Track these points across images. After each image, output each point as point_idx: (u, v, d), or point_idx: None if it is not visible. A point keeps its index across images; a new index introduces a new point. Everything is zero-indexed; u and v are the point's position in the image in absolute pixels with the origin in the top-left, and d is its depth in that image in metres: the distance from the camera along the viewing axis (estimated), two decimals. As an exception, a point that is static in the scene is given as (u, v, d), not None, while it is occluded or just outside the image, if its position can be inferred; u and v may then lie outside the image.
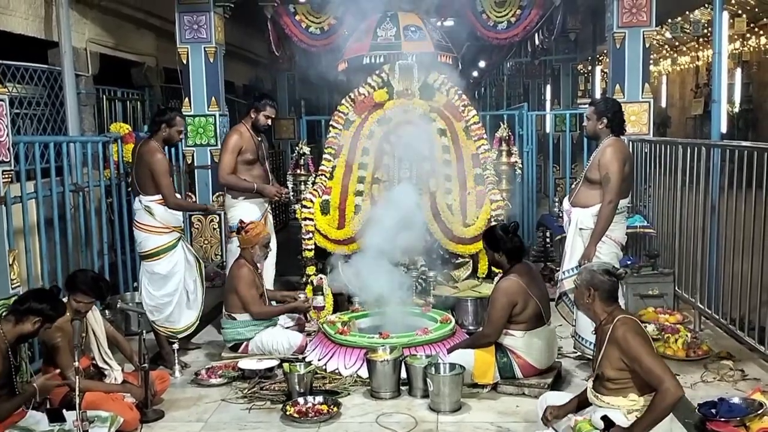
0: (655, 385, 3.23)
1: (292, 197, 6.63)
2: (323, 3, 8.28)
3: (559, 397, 3.88)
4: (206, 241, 8.05)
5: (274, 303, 5.64)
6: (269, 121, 5.94)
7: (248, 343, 5.33)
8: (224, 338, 5.44)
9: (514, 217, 6.33)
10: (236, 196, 5.84)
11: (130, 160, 5.67)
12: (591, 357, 4.93)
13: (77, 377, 3.71)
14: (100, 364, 4.40)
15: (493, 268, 5.87)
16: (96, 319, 4.42)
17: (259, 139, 5.96)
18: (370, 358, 4.67)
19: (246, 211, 5.78)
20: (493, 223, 5.67)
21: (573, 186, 5.26)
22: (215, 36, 7.77)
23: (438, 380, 4.39)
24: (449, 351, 4.78)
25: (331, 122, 6.68)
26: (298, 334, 5.41)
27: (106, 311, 5.92)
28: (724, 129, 7.82)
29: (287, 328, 5.50)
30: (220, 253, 7.89)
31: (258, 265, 5.50)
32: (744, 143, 5.58)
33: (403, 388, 4.64)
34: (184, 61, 7.81)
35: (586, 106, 5.23)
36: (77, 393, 3.64)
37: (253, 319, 5.33)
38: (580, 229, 4.91)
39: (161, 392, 4.61)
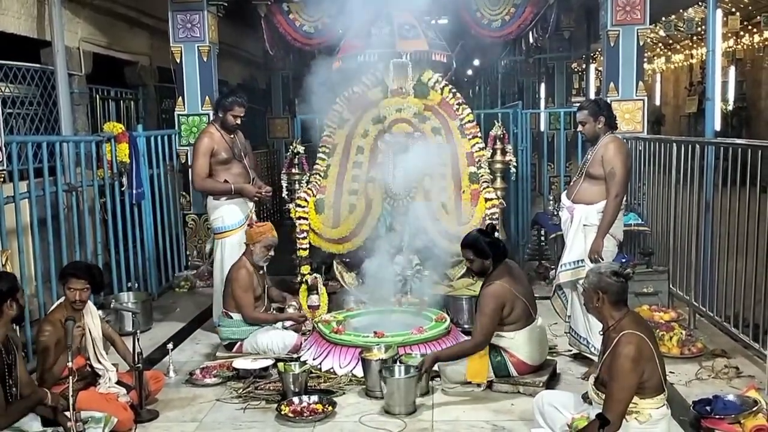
0: (604, 411, 3.25)
1: (286, 196, 6.61)
2: (317, 2, 8.26)
3: (556, 396, 3.88)
4: (200, 241, 8.03)
5: (273, 305, 5.66)
6: (238, 121, 5.82)
7: (243, 342, 5.32)
8: (220, 336, 5.43)
9: (508, 215, 6.33)
10: (217, 197, 5.79)
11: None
12: (587, 354, 4.96)
13: (71, 378, 3.68)
14: (95, 365, 4.38)
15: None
16: (93, 319, 4.39)
17: (232, 136, 5.87)
18: (365, 357, 4.66)
19: (228, 212, 5.75)
20: (468, 232, 5.07)
21: (571, 183, 5.24)
22: (209, 35, 7.75)
23: (392, 383, 4.35)
24: (437, 362, 4.63)
25: (325, 121, 6.66)
26: (293, 333, 5.38)
27: (101, 311, 5.90)
28: (718, 127, 7.83)
29: (286, 328, 5.49)
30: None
31: (260, 265, 5.48)
32: (738, 141, 5.58)
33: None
34: (178, 60, 7.78)
35: (575, 110, 5.21)
36: (71, 393, 3.62)
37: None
38: (585, 225, 4.89)
39: (156, 392, 4.60)
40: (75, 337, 3.98)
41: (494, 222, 4.91)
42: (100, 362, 4.37)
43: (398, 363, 4.62)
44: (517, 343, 4.58)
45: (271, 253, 5.51)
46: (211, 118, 7.63)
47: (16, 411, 3.68)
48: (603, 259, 4.66)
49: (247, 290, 5.30)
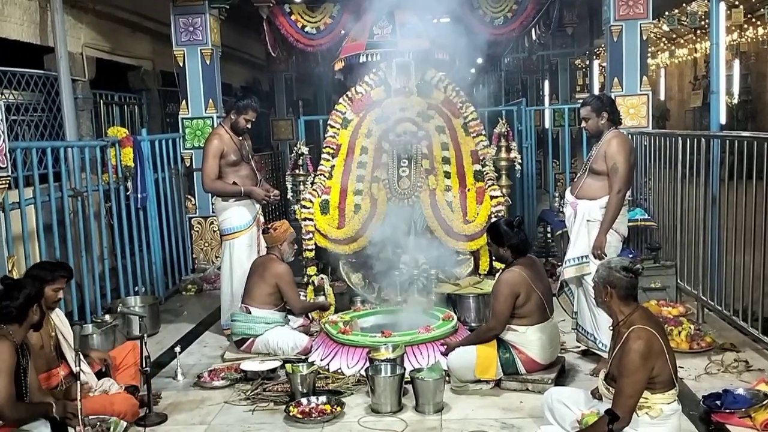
0: (614, 406, 3.24)
1: (292, 197, 6.61)
2: (319, 2, 8.27)
3: (566, 393, 3.86)
4: (206, 244, 8.04)
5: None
6: (249, 125, 5.85)
7: (254, 340, 5.33)
8: (233, 331, 5.44)
9: (514, 212, 6.32)
10: (226, 199, 5.81)
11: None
12: (594, 350, 4.94)
13: (78, 382, 3.68)
14: (75, 369, 4.26)
15: (495, 264, 5.85)
16: (62, 320, 4.29)
17: (240, 138, 5.89)
18: (373, 357, 4.65)
19: (237, 214, 5.77)
20: (496, 218, 5.64)
21: (575, 179, 5.23)
22: (211, 38, 7.77)
23: (379, 381, 4.34)
24: (447, 350, 4.75)
25: (329, 121, 6.67)
26: (304, 335, 5.41)
27: (107, 315, 5.92)
28: (723, 120, 7.78)
29: (295, 329, 5.50)
30: (220, 256, 7.87)
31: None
32: (743, 134, 5.56)
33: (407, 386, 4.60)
34: (181, 64, 7.81)
35: (580, 106, 5.18)
36: (79, 398, 3.62)
37: (294, 314, 5.49)
38: (588, 221, 4.87)
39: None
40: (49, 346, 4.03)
41: (519, 217, 4.91)
42: (80, 366, 4.13)
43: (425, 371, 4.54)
44: (527, 339, 4.55)
45: (296, 246, 5.65)
46: (219, 120, 7.70)
47: (23, 410, 3.67)
48: (606, 255, 4.63)
49: (294, 283, 5.43)
